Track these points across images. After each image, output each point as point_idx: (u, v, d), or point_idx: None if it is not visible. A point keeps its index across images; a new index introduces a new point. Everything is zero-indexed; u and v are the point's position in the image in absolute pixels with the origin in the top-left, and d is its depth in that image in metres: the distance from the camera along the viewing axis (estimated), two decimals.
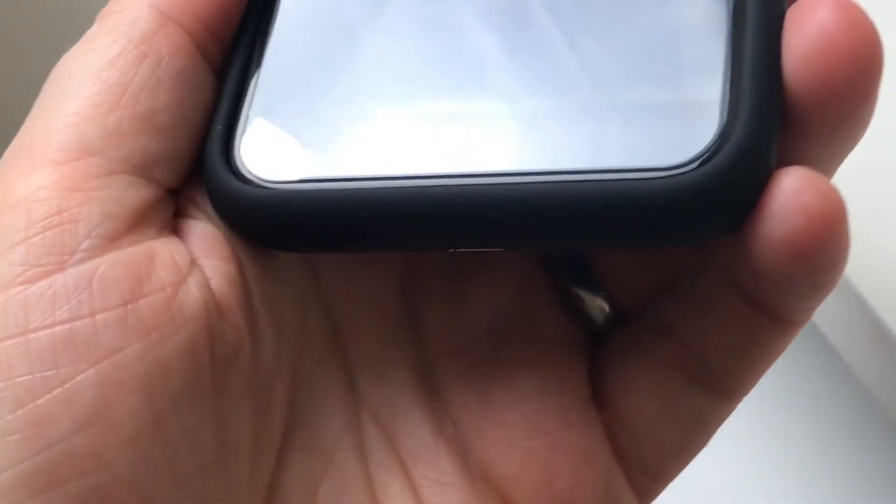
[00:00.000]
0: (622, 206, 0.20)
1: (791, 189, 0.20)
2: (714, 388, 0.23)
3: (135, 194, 0.22)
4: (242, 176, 0.22)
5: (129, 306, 0.20)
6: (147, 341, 0.20)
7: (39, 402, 0.20)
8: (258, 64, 0.23)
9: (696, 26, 0.21)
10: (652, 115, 0.21)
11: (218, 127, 0.22)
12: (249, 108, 0.23)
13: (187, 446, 0.21)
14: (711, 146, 0.20)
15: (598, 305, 0.25)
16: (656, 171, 0.20)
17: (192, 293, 0.21)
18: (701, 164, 0.20)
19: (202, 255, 0.22)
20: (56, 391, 0.20)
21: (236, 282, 0.22)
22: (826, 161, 0.22)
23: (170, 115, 0.22)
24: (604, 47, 0.22)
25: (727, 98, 0.20)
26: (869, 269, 0.42)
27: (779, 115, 0.20)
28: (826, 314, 0.45)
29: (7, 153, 0.22)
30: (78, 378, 0.20)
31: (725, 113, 0.20)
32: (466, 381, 0.24)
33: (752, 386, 0.24)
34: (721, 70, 0.20)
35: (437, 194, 0.21)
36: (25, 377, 0.20)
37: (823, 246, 0.20)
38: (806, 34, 0.20)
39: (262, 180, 0.22)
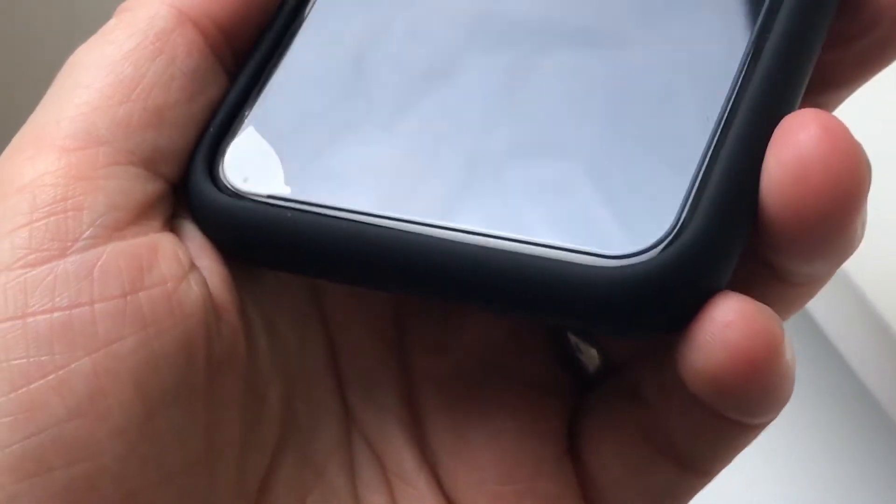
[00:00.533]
0: (549, 283, 0.19)
1: (719, 321, 0.19)
2: (682, 464, 0.23)
3: (140, 187, 0.22)
4: (218, 180, 0.22)
5: (128, 297, 0.21)
6: (144, 334, 0.20)
7: (33, 386, 0.20)
8: (268, 76, 0.23)
9: (686, 116, 0.21)
10: (613, 199, 0.20)
11: (211, 129, 0.23)
12: (246, 117, 0.23)
13: (176, 443, 0.21)
14: (656, 244, 0.19)
15: (591, 355, 0.25)
16: (595, 257, 0.19)
17: (192, 290, 0.21)
18: (638, 260, 0.19)
19: (198, 255, 0.22)
20: (50, 377, 0.20)
21: (232, 285, 0.22)
22: (804, 279, 0.21)
23: (180, 112, 0.22)
24: (590, 119, 0.21)
25: (690, 198, 0.19)
26: (872, 267, 0.42)
27: (741, 226, 0.19)
28: (827, 313, 0.44)
29: (16, 138, 0.22)
30: (72, 366, 0.20)
31: (684, 213, 0.19)
32: (446, 415, 0.24)
33: (723, 467, 0.23)
34: (693, 167, 0.20)
35: (379, 236, 0.21)
36: (21, 360, 0.20)
37: (748, 385, 0.19)
38: (783, 157, 0.19)
39: (233, 189, 0.22)
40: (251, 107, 0.23)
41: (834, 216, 0.19)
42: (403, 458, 0.24)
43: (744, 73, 0.21)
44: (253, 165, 0.22)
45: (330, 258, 0.21)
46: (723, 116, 0.20)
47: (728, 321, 0.19)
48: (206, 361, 0.21)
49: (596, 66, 0.22)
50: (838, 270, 0.37)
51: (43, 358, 0.20)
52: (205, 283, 0.22)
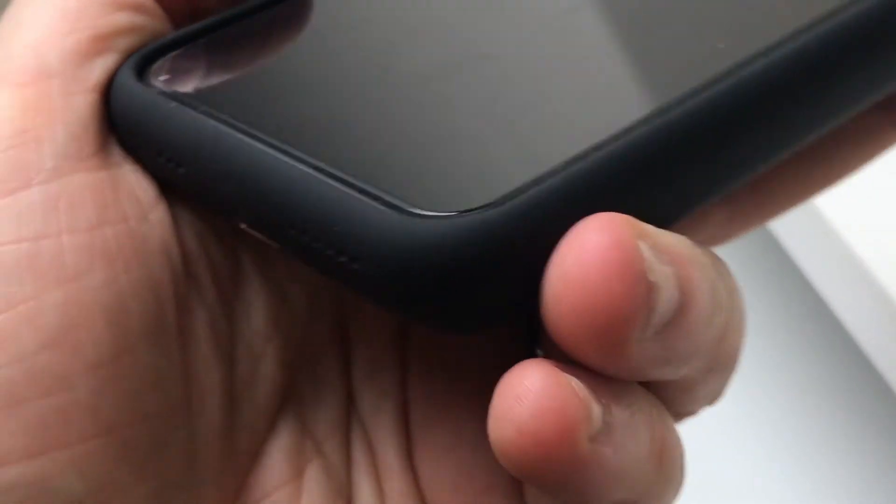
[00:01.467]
0: (334, 217, 0.18)
1: (512, 393, 0.17)
2: None
3: (99, 115, 0.21)
4: (143, 75, 0.22)
5: (95, 232, 0.20)
6: (112, 269, 0.20)
7: (2, 317, 0.19)
8: (237, 23, 0.24)
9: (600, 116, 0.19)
10: (455, 170, 0.19)
11: (162, 41, 0.23)
12: (197, 43, 0.23)
13: (152, 383, 0.20)
14: (437, 214, 0.17)
15: None
16: (381, 205, 0.18)
17: (154, 229, 0.21)
18: (414, 218, 0.17)
19: (163, 196, 0.22)
20: (20, 308, 0.19)
21: (204, 234, 0.22)
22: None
23: (130, 40, 0.22)
24: (499, 92, 0.21)
25: (510, 196, 0.18)
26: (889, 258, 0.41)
27: (525, 258, 0.18)
28: (843, 302, 0.44)
29: None
30: (43, 297, 0.20)
31: (490, 203, 0.17)
32: (426, 409, 0.23)
33: None
34: (535, 172, 0.18)
35: (233, 152, 0.20)
36: None
37: (536, 468, 0.17)
38: (559, 268, 0.17)
39: (148, 82, 0.22)
40: (205, 39, 0.23)
41: (598, 349, 0.17)
42: (390, 449, 0.23)
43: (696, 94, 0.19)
44: (182, 72, 0.22)
45: (187, 153, 0.21)
46: (618, 135, 0.19)
47: (519, 394, 0.17)
48: (175, 303, 0.21)
49: (550, 38, 0.22)
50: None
51: (12, 288, 0.19)
52: (169, 225, 0.21)
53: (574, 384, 0.17)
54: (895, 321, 0.41)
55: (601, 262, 0.17)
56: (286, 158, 0.19)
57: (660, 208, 0.19)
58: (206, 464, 0.22)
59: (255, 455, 0.22)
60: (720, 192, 0.20)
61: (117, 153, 0.22)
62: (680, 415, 0.20)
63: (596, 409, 0.18)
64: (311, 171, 0.19)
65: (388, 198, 0.18)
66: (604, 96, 0.21)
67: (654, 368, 0.18)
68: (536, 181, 0.18)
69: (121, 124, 0.22)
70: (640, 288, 0.17)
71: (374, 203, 0.18)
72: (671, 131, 0.19)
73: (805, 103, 0.20)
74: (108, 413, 0.20)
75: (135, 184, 0.21)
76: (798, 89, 0.20)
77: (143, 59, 0.22)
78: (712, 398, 0.21)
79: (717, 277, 0.19)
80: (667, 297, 0.17)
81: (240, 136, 0.20)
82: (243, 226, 0.20)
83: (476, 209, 0.17)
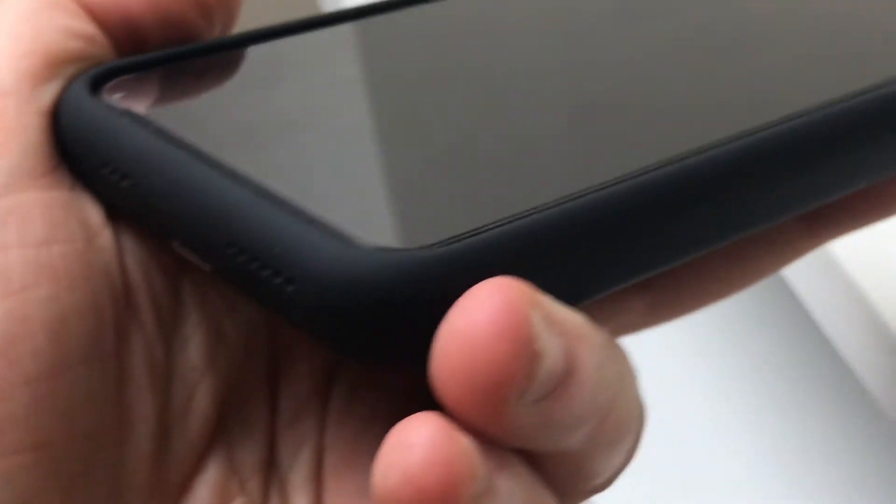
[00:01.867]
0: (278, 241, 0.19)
1: (401, 441, 0.17)
2: None
3: (51, 137, 0.22)
4: (95, 92, 0.22)
5: (42, 248, 0.20)
6: (56, 287, 0.20)
7: None
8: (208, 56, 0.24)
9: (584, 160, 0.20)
10: (409, 204, 0.20)
11: (119, 63, 0.23)
12: (164, 68, 0.23)
13: (85, 404, 0.21)
14: (377, 249, 0.18)
15: None
16: (330, 236, 0.18)
17: (99, 254, 0.21)
18: (354, 249, 0.18)
19: (114, 223, 0.22)
20: None
21: (148, 265, 0.22)
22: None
23: (79, 69, 0.22)
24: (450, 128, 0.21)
25: (454, 241, 0.18)
26: (879, 277, 0.41)
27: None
28: (832, 319, 0.44)
29: None
30: None
31: (430, 245, 0.18)
32: (339, 458, 0.23)
33: None
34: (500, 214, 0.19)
35: (177, 167, 0.20)
36: None
37: None
38: (454, 319, 0.17)
39: (103, 98, 0.22)
40: (161, 67, 0.24)
41: (476, 408, 0.18)
42: (302, 495, 0.23)
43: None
44: (134, 94, 0.23)
45: (132, 165, 0.21)
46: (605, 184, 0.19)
47: (409, 443, 0.17)
48: (114, 329, 0.21)
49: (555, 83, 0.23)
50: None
51: None
52: (114, 252, 0.22)
53: (465, 442, 0.18)
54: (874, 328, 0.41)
55: (489, 323, 0.17)
56: (232, 177, 0.20)
57: (584, 279, 0.20)
58: (133, 492, 0.22)
59: (182, 488, 0.23)
60: (650, 272, 0.20)
61: (68, 177, 0.22)
62: (569, 495, 0.21)
63: (481, 471, 0.18)
64: (256, 191, 0.19)
65: (328, 223, 0.19)
66: (557, 159, 0.21)
67: (533, 436, 0.18)
68: (477, 231, 0.18)
69: (69, 135, 0.22)
70: (523, 354, 0.17)
71: (314, 227, 0.18)
72: (607, 206, 0.19)
73: (764, 196, 0.21)
74: (41, 428, 0.20)
75: (84, 208, 0.22)
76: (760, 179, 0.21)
77: (96, 77, 0.22)
78: (602, 479, 0.21)
79: (608, 358, 0.19)
80: (550, 367, 0.18)
81: (185, 152, 0.20)
82: (177, 245, 0.21)
83: (413, 248, 0.18)
